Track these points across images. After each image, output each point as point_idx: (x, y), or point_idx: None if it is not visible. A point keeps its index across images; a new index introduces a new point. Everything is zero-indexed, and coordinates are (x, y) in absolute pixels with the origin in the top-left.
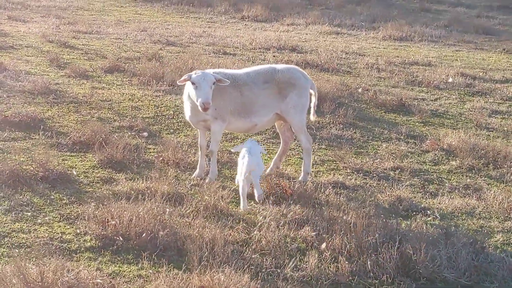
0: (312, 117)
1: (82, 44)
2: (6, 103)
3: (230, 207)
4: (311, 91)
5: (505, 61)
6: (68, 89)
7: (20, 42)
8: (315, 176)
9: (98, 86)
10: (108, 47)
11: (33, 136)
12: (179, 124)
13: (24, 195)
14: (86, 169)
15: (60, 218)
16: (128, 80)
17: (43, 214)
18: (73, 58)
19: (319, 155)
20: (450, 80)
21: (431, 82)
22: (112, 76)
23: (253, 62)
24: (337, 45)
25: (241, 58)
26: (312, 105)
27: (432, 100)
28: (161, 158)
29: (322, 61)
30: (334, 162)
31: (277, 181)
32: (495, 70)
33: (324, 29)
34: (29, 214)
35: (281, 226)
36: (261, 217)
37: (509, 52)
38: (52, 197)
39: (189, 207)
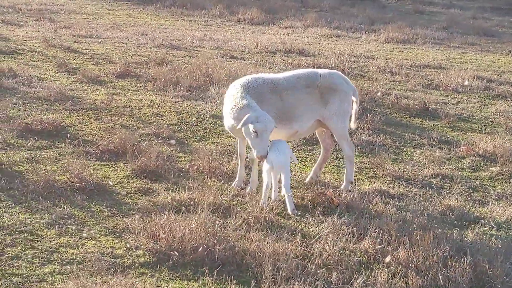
0: (353, 125)
1: (86, 49)
2: (23, 110)
3: (279, 219)
4: (353, 97)
5: None
6: (84, 95)
7: (23, 46)
8: (356, 184)
9: (113, 92)
10: (112, 52)
11: (58, 144)
12: (205, 131)
13: (64, 208)
14: (120, 179)
15: (106, 232)
16: (143, 86)
17: (88, 227)
18: (80, 63)
19: (355, 162)
20: (466, 83)
21: (448, 85)
22: (124, 81)
23: (263, 66)
24: (342, 48)
25: (250, 62)
26: (353, 112)
27: (454, 104)
28: (195, 167)
29: (333, 65)
30: (372, 169)
31: (322, 191)
32: (508, 73)
33: (324, 31)
34: (73, 228)
35: (339, 239)
36: (318, 229)
37: None
38: (93, 209)
39: (239, 219)
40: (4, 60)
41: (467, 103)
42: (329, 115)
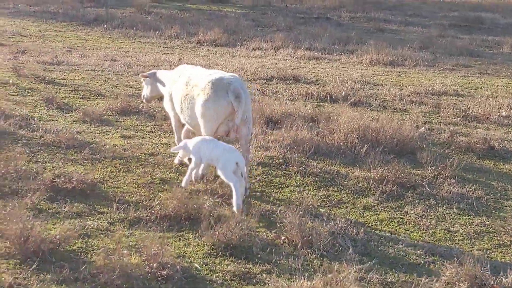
0: None
1: (61, 79)
2: (34, 161)
3: None
4: None
5: None
6: (98, 140)
7: None
8: (490, 259)
9: (128, 134)
10: (92, 82)
11: (98, 208)
12: (260, 183)
13: None
14: (202, 259)
15: None
16: (157, 126)
17: None
18: (67, 97)
19: (463, 223)
20: (504, 113)
21: (488, 117)
22: (131, 120)
23: (269, 96)
24: (332, 72)
25: (255, 93)
26: None
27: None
28: (283, 238)
29: (343, 93)
30: (494, 234)
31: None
32: None
33: (300, 53)
34: None
35: None
36: None
37: None
38: None
39: None
40: None
41: None
42: None
